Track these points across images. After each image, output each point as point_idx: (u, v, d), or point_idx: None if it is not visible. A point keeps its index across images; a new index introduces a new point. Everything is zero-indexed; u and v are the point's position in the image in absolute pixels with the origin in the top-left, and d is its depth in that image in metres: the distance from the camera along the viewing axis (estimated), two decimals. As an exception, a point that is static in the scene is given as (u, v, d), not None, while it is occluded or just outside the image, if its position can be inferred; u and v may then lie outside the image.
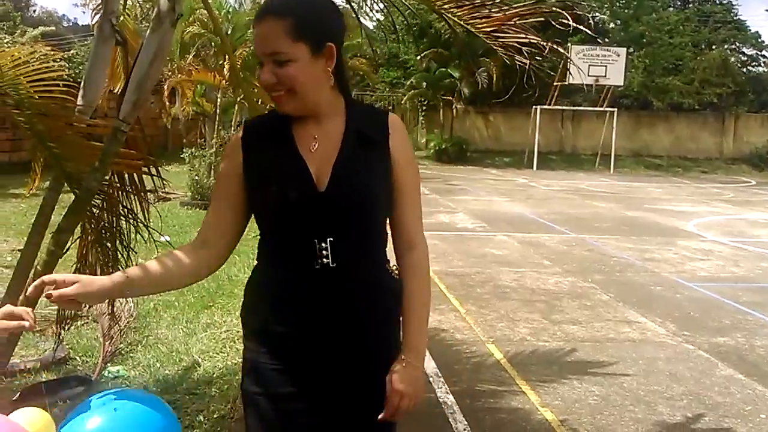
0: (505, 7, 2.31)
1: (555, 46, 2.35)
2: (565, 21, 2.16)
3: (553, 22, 2.24)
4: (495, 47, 2.39)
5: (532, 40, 2.30)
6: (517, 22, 2.29)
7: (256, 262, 1.76)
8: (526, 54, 2.31)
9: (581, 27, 2.24)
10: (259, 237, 1.73)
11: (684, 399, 4.29)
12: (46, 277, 1.53)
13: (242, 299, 1.79)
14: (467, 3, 2.32)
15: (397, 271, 1.73)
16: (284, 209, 1.59)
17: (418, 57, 27.06)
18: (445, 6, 2.34)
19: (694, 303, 6.73)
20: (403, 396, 1.63)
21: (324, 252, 1.58)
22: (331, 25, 1.62)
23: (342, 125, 1.65)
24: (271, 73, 1.56)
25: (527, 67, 2.32)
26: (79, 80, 3.13)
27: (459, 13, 2.36)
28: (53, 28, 18.18)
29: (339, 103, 1.68)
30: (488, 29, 2.37)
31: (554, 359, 4.96)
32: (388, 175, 1.66)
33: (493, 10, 2.31)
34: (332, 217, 1.59)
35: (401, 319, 1.69)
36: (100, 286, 1.57)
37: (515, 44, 2.33)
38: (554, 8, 2.22)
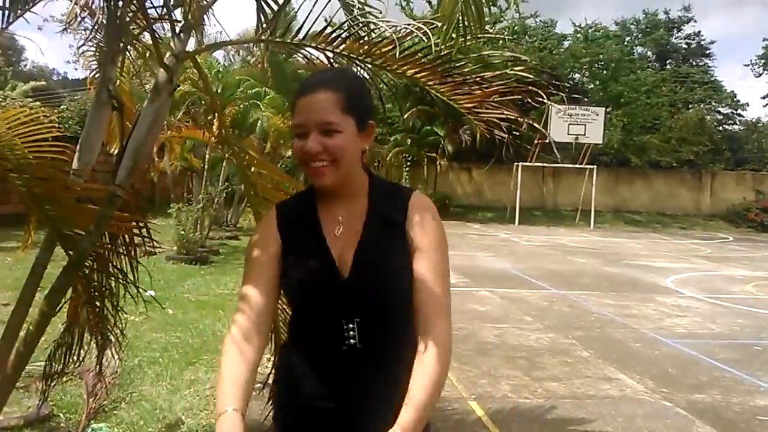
0: (485, 85, 2.48)
1: (531, 122, 2.52)
2: (540, 99, 2.33)
3: (530, 100, 2.41)
4: (475, 122, 2.56)
5: (509, 116, 2.47)
6: (496, 99, 2.46)
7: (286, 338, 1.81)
8: (504, 128, 2.48)
9: (551, 103, 2.41)
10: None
11: (662, 457, 4.35)
12: None
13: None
14: (449, 80, 2.49)
15: None
16: (309, 294, 1.62)
17: (404, 116, 27.51)
18: (429, 83, 2.51)
19: (671, 359, 6.83)
20: None
21: (351, 333, 1.58)
22: (372, 105, 1.71)
23: (365, 206, 1.67)
24: (318, 142, 1.55)
25: (506, 140, 2.49)
26: (68, 135, 3.21)
27: (442, 90, 2.53)
28: (44, 82, 18.34)
29: (365, 181, 1.70)
30: (469, 105, 2.53)
31: (535, 416, 5.02)
32: (409, 256, 1.63)
33: (473, 88, 2.48)
34: (356, 302, 1.60)
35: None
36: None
37: (494, 119, 2.50)
38: (530, 87, 2.38)
